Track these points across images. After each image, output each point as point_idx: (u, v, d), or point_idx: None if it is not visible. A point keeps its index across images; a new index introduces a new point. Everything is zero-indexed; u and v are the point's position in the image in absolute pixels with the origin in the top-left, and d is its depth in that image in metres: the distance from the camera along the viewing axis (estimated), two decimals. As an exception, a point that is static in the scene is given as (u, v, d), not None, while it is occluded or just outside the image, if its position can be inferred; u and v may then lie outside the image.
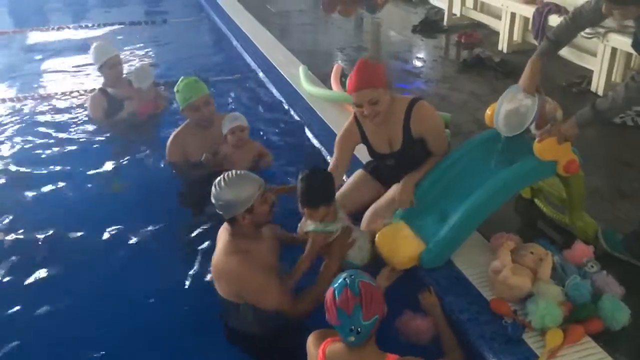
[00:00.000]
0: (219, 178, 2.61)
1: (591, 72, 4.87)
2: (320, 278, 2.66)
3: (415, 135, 2.97)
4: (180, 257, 3.24)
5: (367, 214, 3.10)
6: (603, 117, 2.61)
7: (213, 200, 2.61)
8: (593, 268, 2.57)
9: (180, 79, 3.73)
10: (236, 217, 2.61)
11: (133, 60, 6.20)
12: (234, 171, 2.64)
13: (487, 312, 2.52)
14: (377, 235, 2.91)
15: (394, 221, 2.98)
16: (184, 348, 2.67)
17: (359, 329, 1.91)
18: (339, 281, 1.98)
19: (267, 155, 3.84)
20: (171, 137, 3.82)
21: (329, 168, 3.03)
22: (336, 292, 1.95)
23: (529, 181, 2.94)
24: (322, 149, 4.09)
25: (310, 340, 2.16)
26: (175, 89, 3.72)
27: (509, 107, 2.89)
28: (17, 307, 2.94)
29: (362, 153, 3.25)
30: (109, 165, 4.22)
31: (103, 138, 4.60)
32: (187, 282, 3.05)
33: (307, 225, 2.76)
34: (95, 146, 4.51)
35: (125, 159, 4.31)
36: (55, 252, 3.31)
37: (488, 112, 3.04)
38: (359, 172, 3.36)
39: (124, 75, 4.84)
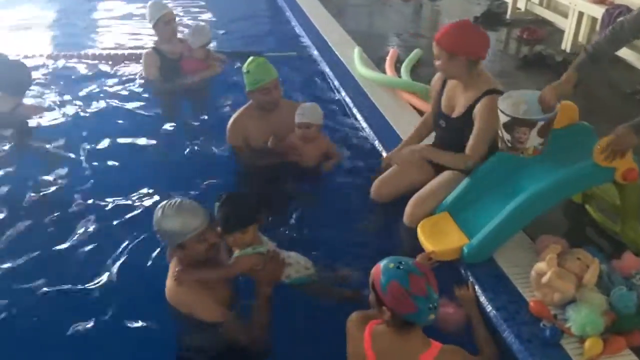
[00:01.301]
0: (167, 202, 2.42)
1: (658, 79, 4.69)
2: (257, 307, 2.49)
3: (472, 117, 2.98)
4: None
5: (412, 200, 3.09)
6: None
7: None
8: (641, 280, 2.48)
9: (250, 60, 3.51)
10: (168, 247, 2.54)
11: (186, 26, 6.24)
12: (180, 201, 2.42)
13: (526, 312, 2.48)
14: (419, 224, 2.89)
15: (438, 212, 2.96)
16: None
17: (435, 304, 1.95)
18: (394, 271, 1.95)
19: (334, 156, 3.70)
20: (232, 119, 3.65)
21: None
22: (402, 282, 1.92)
23: (584, 186, 2.86)
24: (371, 133, 4.06)
25: (353, 322, 2.14)
26: (245, 69, 3.51)
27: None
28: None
29: (428, 140, 3.31)
30: (155, 133, 4.25)
31: (154, 103, 4.68)
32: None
33: (235, 252, 2.56)
34: (145, 111, 4.57)
35: (172, 128, 4.35)
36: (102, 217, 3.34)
37: None
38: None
39: (179, 36, 4.88)
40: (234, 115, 3.68)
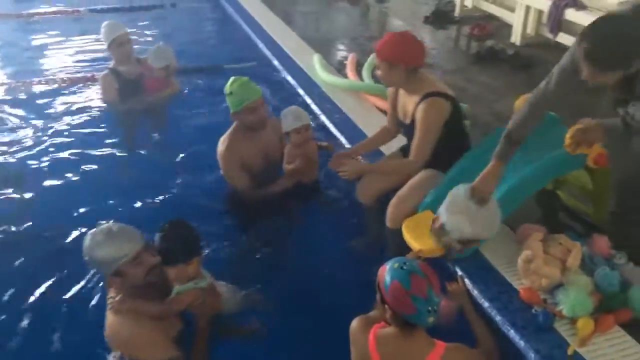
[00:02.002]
0: (95, 229, 2.35)
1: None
2: (197, 342, 2.47)
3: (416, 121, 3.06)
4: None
5: (392, 201, 3.15)
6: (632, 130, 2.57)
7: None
8: (621, 260, 2.61)
9: (231, 80, 3.38)
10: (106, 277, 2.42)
11: (143, 44, 6.15)
12: (109, 226, 2.36)
13: (517, 300, 2.57)
14: (404, 224, 2.95)
15: (420, 211, 3.03)
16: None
17: (435, 307, 1.96)
18: (397, 271, 1.99)
19: (329, 147, 3.81)
20: (224, 147, 3.46)
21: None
22: (403, 283, 1.95)
23: (559, 173, 2.97)
24: (342, 137, 4.11)
25: (356, 327, 2.17)
26: (227, 91, 3.36)
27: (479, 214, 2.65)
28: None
29: (397, 141, 3.34)
30: (116, 154, 4.23)
31: (114, 123, 4.65)
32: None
33: (175, 287, 2.44)
34: (105, 132, 4.53)
35: (134, 147, 4.35)
36: (61, 240, 3.32)
37: (517, 103, 3.06)
38: (395, 152, 3.44)
39: (138, 56, 4.84)
40: (224, 143, 3.48)
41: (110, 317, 2.35)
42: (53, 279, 3.04)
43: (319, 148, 3.67)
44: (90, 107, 4.89)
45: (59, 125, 4.62)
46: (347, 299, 2.75)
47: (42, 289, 2.98)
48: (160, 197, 3.71)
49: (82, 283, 2.99)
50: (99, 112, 4.80)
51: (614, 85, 2.36)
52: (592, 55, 2.18)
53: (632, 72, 2.25)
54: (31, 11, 7.54)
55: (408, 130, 3.18)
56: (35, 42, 6.62)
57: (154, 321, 2.35)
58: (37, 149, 4.31)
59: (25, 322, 2.78)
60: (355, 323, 2.19)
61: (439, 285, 2.02)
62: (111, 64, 4.76)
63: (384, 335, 2.07)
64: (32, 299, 2.92)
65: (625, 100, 2.41)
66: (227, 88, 3.37)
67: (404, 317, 1.99)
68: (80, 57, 6.10)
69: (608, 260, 2.62)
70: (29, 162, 4.12)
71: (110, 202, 3.67)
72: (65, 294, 2.94)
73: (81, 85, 5.29)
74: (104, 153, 4.24)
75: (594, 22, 2.22)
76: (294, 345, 2.62)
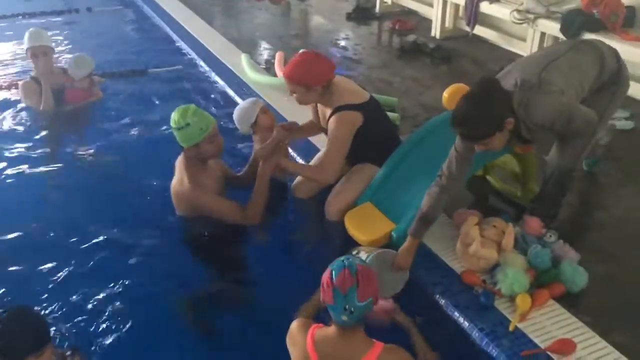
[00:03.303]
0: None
1: (520, 56, 5.15)
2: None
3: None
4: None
5: (330, 195, 3.22)
6: None
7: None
8: (552, 238, 2.77)
9: (179, 112, 2.95)
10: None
11: (61, 50, 5.91)
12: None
13: (458, 283, 2.69)
14: (346, 216, 3.01)
15: (359, 203, 3.09)
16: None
17: (352, 309, 1.93)
18: (337, 262, 2.00)
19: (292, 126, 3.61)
20: (188, 185, 3.03)
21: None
22: (334, 272, 1.96)
23: (488, 158, 3.11)
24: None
25: (295, 328, 2.16)
26: (181, 124, 2.93)
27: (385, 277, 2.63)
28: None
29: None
30: (39, 160, 4.06)
31: (36, 129, 4.45)
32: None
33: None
34: (25, 136, 4.35)
35: (54, 152, 4.19)
36: None
37: (445, 95, 3.19)
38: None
39: (62, 66, 4.66)
40: (186, 181, 3.04)
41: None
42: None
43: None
44: (9, 113, 4.65)
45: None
46: (287, 295, 2.73)
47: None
48: (82, 203, 3.58)
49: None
50: (19, 119, 4.58)
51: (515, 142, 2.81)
52: (469, 135, 2.57)
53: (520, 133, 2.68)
54: None
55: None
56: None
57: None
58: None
59: None
60: (294, 324, 2.17)
61: (370, 293, 1.96)
62: (33, 72, 4.58)
63: (322, 334, 2.06)
64: None
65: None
66: (179, 121, 2.93)
67: (327, 305, 2.00)
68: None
69: (539, 239, 2.77)
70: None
71: (32, 204, 3.56)
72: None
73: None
74: (25, 158, 4.06)
75: (453, 113, 2.55)
76: (235, 344, 2.61)
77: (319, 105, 3.29)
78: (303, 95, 3.10)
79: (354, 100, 3.08)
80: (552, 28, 4.71)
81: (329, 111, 3.13)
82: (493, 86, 2.57)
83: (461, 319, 2.52)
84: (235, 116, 3.53)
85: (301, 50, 3.22)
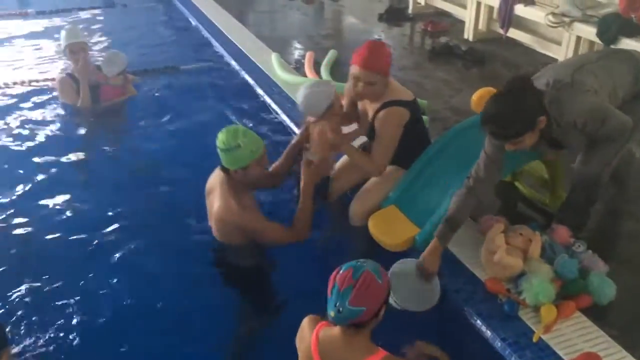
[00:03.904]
0: None
1: (555, 60, 5.06)
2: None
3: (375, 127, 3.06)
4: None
5: (355, 198, 3.18)
6: None
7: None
8: (580, 248, 2.70)
9: (230, 132, 2.72)
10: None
11: (95, 47, 6.02)
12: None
13: (482, 291, 2.64)
14: (370, 220, 2.98)
15: (384, 206, 3.07)
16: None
17: (341, 309, 1.90)
18: (353, 262, 1.99)
19: None
20: (236, 214, 2.76)
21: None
22: (342, 269, 1.96)
23: (517, 164, 3.05)
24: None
25: (305, 323, 2.16)
26: (232, 144, 2.69)
27: (412, 286, 2.64)
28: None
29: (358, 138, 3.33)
30: (73, 157, 4.14)
31: (72, 125, 4.54)
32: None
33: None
34: (61, 133, 4.44)
35: (90, 150, 4.25)
36: (21, 243, 3.26)
37: (474, 98, 3.14)
38: None
39: (96, 63, 4.72)
40: (237, 208, 2.76)
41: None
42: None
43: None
44: (46, 109, 4.76)
45: (12, 128, 4.49)
46: (309, 298, 2.71)
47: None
48: (118, 198, 3.65)
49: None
50: (55, 115, 4.68)
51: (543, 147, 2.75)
52: (500, 134, 2.49)
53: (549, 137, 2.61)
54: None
55: (368, 132, 3.20)
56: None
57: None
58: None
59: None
60: (305, 320, 2.17)
61: (363, 303, 1.90)
62: (69, 68, 4.65)
63: (326, 333, 2.04)
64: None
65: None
66: (230, 141, 2.70)
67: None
68: (31, 58, 5.91)
69: (567, 249, 2.71)
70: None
71: (68, 202, 3.60)
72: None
73: (35, 86, 5.12)
74: (62, 155, 4.13)
75: (484, 111, 2.49)
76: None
77: (362, 100, 3.20)
78: (380, 85, 2.94)
79: (404, 97, 3.04)
80: (588, 32, 4.60)
81: (373, 106, 3.05)
82: (526, 84, 2.49)
83: (484, 328, 2.48)
84: (307, 97, 3.04)
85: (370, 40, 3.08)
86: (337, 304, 1.91)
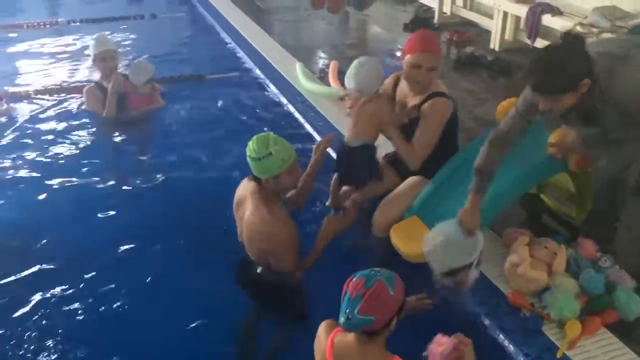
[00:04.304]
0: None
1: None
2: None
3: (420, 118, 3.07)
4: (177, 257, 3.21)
5: (382, 203, 3.13)
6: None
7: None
8: (606, 262, 2.65)
9: (258, 139, 2.67)
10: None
11: (124, 56, 6.11)
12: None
13: (505, 304, 2.60)
14: (392, 230, 2.96)
15: (406, 216, 3.04)
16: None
17: (350, 317, 1.92)
18: (365, 270, 1.99)
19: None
20: (279, 224, 2.68)
21: None
22: (356, 275, 1.97)
23: (542, 178, 3.02)
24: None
25: (322, 328, 2.16)
26: (264, 153, 2.62)
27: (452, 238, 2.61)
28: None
29: (382, 147, 3.31)
30: (101, 163, 4.19)
31: (98, 134, 4.58)
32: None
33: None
34: (89, 143, 4.47)
35: (118, 156, 4.30)
36: (49, 250, 3.27)
37: (499, 108, 3.11)
38: (380, 161, 3.41)
39: (125, 72, 4.78)
40: (277, 221, 2.68)
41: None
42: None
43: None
44: (73, 118, 4.82)
45: (41, 136, 4.55)
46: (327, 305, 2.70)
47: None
48: (142, 207, 3.67)
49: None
50: (81, 124, 4.73)
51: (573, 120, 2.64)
52: (542, 86, 2.38)
53: (586, 107, 2.47)
54: (9, 22, 7.44)
55: (405, 128, 3.15)
56: (13, 53, 6.52)
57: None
58: (18, 157, 4.26)
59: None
60: (321, 325, 2.18)
61: (372, 313, 1.90)
62: (97, 77, 4.71)
63: (341, 339, 2.04)
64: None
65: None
66: (261, 149, 2.63)
67: None
68: (60, 68, 6.02)
69: (593, 263, 2.66)
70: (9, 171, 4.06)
71: (93, 213, 3.61)
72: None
73: (63, 95, 5.20)
74: (88, 164, 4.16)
75: (531, 61, 2.42)
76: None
77: (401, 93, 3.21)
78: (437, 72, 3.05)
79: (445, 90, 3.08)
80: (618, 43, 4.52)
81: (417, 98, 3.08)
82: (578, 42, 2.39)
83: (506, 343, 2.44)
84: (363, 71, 3.04)
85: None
86: (347, 311, 1.92)
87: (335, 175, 3.26)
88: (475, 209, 2.62)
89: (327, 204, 3.30)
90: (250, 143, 2.69)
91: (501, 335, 2.47)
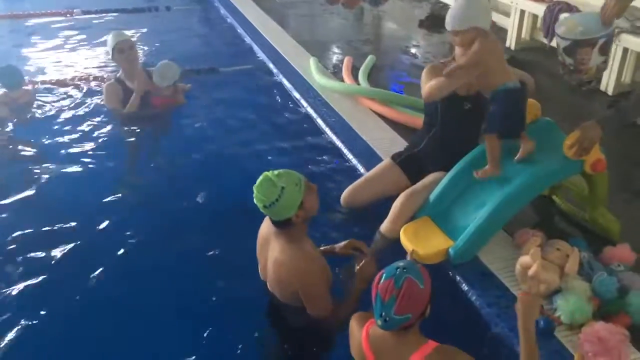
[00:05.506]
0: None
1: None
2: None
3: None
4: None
5: (403, 195, 3.09)
6: (626, 118, 2.66)
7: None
8: (620, 267, 2.61)
9: (261, 186, 2.39)
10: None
11: (139, 48, 6.11)
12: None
13: (516, 306, 2.56)
14: (402, 230, 2.94)
15: (418, 216, 3.02)
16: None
17: (387, 319, 1.94)
18: (392, 268, 1.98)
19: None
20: (316, 262, 2.50)
21: None
22: (383, 276, 1.97)
23: (556, 178, 2.97)
24: (337, 140, 4.10)
25: (354, 322, 2.19)
26: (272, 198, 2.37)
27: None
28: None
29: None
30: (119, 159, 4.18)
31: (116, 129, 4.56)
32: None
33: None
34: (107, 138, 4.44)
35: (138, 153, 4.30)
36: (67, 246, 3.23)
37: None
38: (386, 161, 3.40)
39: (147, 69, 4.73)
40: (312, 258, 2.50)
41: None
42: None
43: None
44: (87, 110, 4.81)
45: (57, 129, 4.55)
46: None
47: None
48: (159, 204, 3.63)
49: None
50: (99, 116, 4.72)
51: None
52: None
53: None
54: (22, 12, 7.48)
55: (475, 100, 3.16)
56: (26, 43, 6.55)
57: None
58: (34, 152, 4.28)
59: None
60: (352, 320, 2.21)
61: (409, 310, 1.92)
62: (118, 74, 4.68)
63: (375, 331, 2.07)
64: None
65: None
66: (271, 192, 2.38)
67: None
68: (74, 58, 6.06)
69: (606, 267, 2.62)
70: (29, 165, 4.05)
71: (112, 208, 3.58)
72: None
73: (73, 86, 5.22)
74: (105, 158, 4.16)
75: None
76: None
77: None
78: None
79: None
80: (636, 44, 4.47)
81: None
82: None
83: (516, 345, 2.40)
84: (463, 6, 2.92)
85: None
86: (383, 313, 1.95)
87: None
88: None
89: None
90: (256, 193, 2.41)
91: (511, 337, 2.44)
